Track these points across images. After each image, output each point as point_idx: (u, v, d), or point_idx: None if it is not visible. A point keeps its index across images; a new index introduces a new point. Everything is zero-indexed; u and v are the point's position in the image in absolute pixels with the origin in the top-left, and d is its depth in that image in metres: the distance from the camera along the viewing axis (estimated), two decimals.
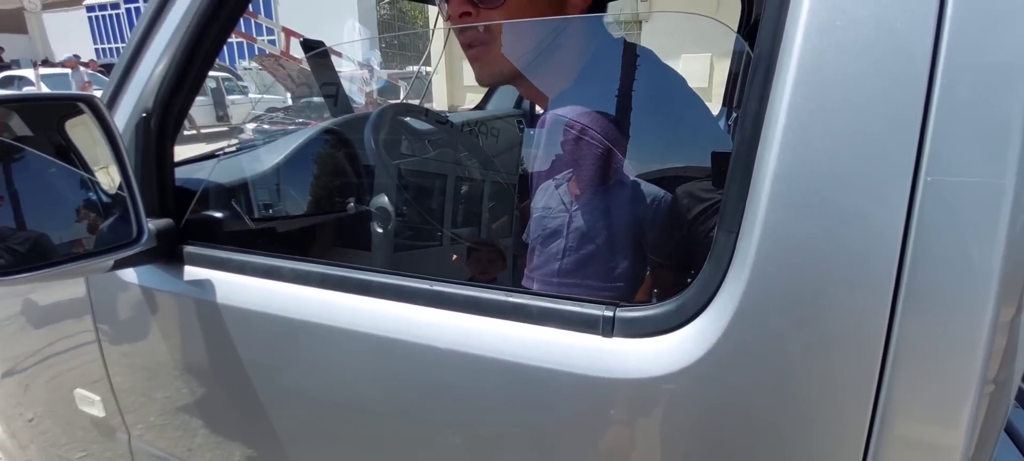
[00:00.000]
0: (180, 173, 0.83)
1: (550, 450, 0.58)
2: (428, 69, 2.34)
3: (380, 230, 1.04)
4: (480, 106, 2.22)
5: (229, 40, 1.41)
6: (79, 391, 0.95)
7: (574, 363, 0.53)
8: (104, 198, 0.72)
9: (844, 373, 0.43)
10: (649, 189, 0.74)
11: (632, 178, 0.74)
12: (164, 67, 0.76)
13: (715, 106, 2.07)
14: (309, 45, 1.72)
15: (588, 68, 0.77)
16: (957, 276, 0.39)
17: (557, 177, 0.73)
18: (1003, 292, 0.38)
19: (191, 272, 0.76)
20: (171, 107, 0.77)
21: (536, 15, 0.75)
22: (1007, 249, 0.38)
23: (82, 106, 0.69)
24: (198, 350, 0.79)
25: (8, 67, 12.96)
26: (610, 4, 0.94)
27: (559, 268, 0.72)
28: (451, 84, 7.85)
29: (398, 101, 2.19)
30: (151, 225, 0.73)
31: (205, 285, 0.74)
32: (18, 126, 0.70)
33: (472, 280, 1.01)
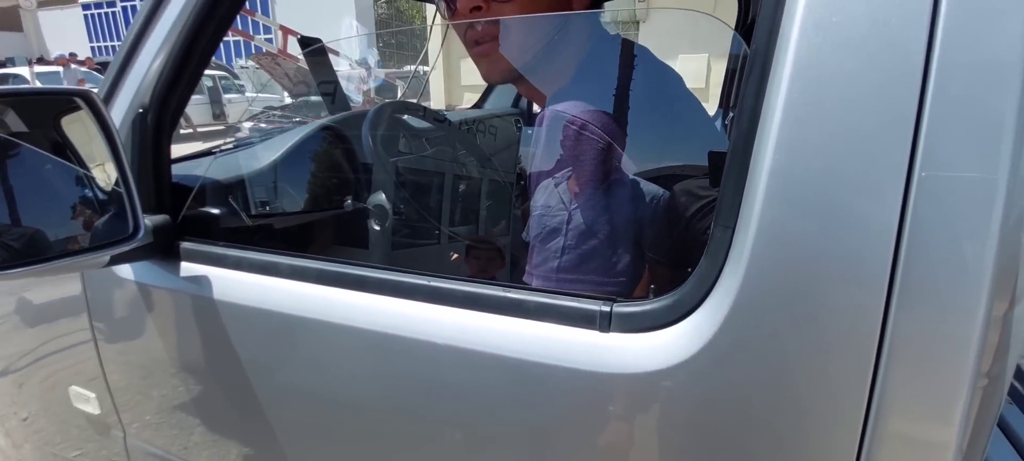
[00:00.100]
0: (177, 170, 0.83)
1: (547, 445, 0.58)
2: (425, 68, 2.34)
3: (377, 228, 1.04)
4: (478, 105, 2.22)
5: (226, 38, 1.41)
6: (74, 389, 0.95)
7: (571, 358, 0.53)
8: (100, 194, 0.72)
9: (839, 368, 0.43)
10: (647, 187, 0.74)
11: (630, 176, 0.74)
12: (161, 62, 0.76)
13: (712, 108, 2.07)
14: (306, 42, 1.71)
15: (585, 65, 0.77)
16: (951, 271, 0.39)
17: (557, 176, 0.74)
18: (996, 287, 0.39)
19: (187, 268, 0.76)
20: (168, 103, 0.77)
21: (544, 10, 0.75)
22: (1000, 244, 0.38)
23: (78, 101, 0.69)
24: (194, 346, 0.79)
25: (3, 65, 12.87)
26: (608, 4, 0.94)
27: (558, 265, 0.72)
28: (448, 83, 7.85)
29: (396, 99, 2.18)
30: (147, 221, 0.73)
31: (201, 281, 0.74)
32: (13, 121, 0.70)
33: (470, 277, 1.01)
